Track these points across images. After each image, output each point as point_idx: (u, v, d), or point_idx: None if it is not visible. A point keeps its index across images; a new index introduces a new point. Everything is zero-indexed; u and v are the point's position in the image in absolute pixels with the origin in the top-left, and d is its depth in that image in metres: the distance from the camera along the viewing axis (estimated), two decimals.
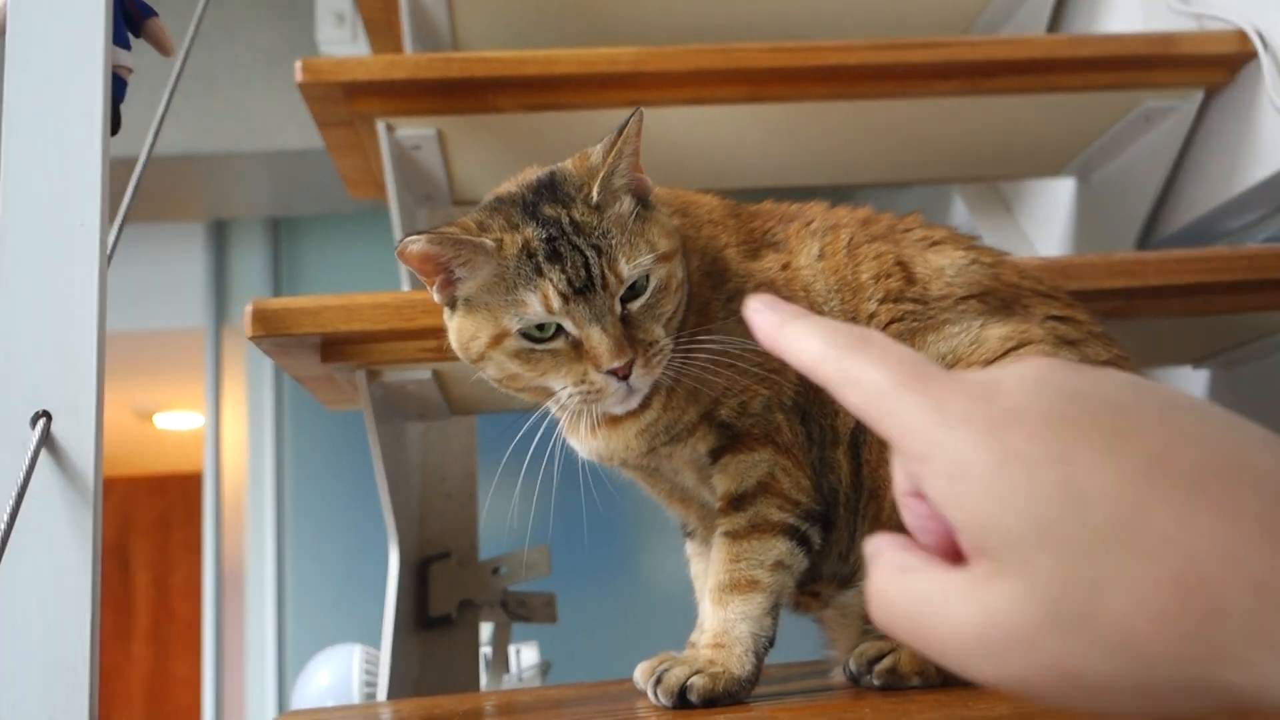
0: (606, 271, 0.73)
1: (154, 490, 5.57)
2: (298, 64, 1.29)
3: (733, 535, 0.77)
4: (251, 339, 1.00)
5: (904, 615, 0.39)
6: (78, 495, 0.75)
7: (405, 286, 1.44)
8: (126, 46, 0.92)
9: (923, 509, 0.41)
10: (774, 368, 0.78)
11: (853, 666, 0.75)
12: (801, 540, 0.77)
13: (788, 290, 0.82)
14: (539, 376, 0.75)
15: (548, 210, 0.75)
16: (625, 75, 1.32)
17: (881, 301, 0.82)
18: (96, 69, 0.83)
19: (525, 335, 0.74)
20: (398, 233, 1.43)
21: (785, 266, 0.83)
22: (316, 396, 1.28)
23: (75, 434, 0.76)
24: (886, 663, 0.73)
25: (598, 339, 0.72)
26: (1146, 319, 1.17)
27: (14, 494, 0.72)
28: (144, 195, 1.03)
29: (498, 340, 0.75)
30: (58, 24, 0.83)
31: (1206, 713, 0.33)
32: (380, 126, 1.35)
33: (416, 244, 0.74)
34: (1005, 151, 1.62)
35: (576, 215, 0.75)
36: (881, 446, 0.78)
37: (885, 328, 0.79)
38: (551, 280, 0.72)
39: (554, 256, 0.73)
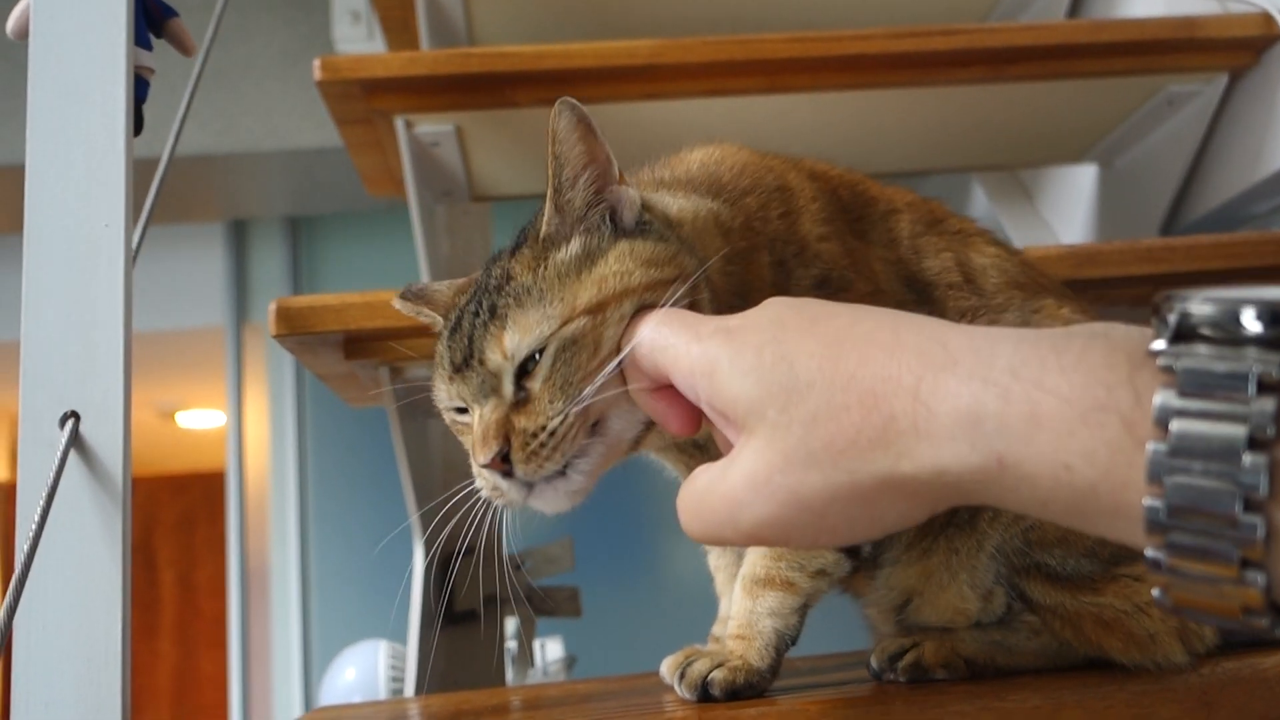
0: (487, 345, 0.62)
1: (177, 489, 5.61)
2: (316, 62, 1.28)
3: None
4: (275, 337, 1.00)
5: (693, 505, 0.49)
6: (107, 495, 0.76)
7: None
8: (148, 47, 0.92)
9: None
10: None
11: (874, 664, 0.74)
12: (850, 550, 0.74)
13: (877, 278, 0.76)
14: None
15: (492, 266, 0.67)
16: (643, 67, 1.31)
17: (949, 288, 0.78)
18: (119, 70, 0.83)
19: (451, 409, 0.68)
20: (417, 229, 1.43)
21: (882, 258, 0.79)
22: (339, 394, 1.28)
23: (104, 434, 0.77)
24: (909, 658, 0.72)
25: (475, 423, 0.63)
26: None
27: (44, 494, 0.72)
28: (163, 196, 1.03)
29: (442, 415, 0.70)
30: (80, 25, 0.83)
31: (897, 517, 0.44)
32: (399, 123, 1.35)
33: (396, 303, 0.76)
34: (1026, 138, 1.61)
35: (509, 265, 0.65)
36: None
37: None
38: (442, 359, 0.66)
39: (454, 330, 0.66)
